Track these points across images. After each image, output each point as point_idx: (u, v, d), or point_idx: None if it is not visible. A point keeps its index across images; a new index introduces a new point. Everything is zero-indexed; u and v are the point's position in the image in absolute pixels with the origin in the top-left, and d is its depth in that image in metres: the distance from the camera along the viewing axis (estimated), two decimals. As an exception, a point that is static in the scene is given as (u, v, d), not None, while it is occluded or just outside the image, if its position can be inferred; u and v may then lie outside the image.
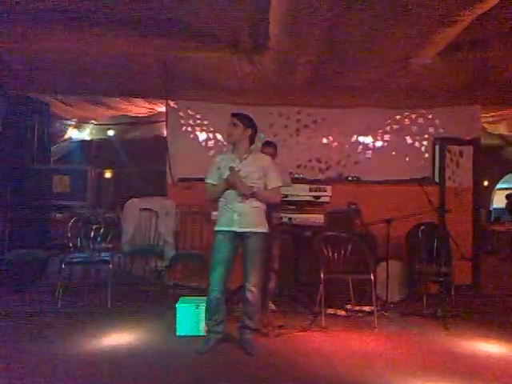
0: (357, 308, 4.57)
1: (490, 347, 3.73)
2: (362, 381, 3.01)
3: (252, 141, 3.68)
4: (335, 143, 6.17)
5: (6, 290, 5.09)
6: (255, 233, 3.51)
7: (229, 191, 3.53)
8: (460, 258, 4.80)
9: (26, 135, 5.88)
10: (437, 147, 6.11)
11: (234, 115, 3.65)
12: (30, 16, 4.29)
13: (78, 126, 7.92)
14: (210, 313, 3.57)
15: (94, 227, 5.04)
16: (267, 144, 4.88)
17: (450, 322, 4.29)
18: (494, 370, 3.23)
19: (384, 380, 3.02)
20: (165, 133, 6.28)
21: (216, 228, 3.61)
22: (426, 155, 6.16)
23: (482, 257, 6.14)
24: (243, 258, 3.56)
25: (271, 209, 4.08)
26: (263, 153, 4.75)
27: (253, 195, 3.50)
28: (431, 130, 6.17)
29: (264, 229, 3.58)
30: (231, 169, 3.49)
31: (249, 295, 3.51)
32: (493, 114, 6.56)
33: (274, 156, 4.78)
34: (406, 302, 5.12)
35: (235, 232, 3.51)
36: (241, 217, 3.49)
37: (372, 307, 4.30)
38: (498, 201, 14.48)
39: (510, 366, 3.35)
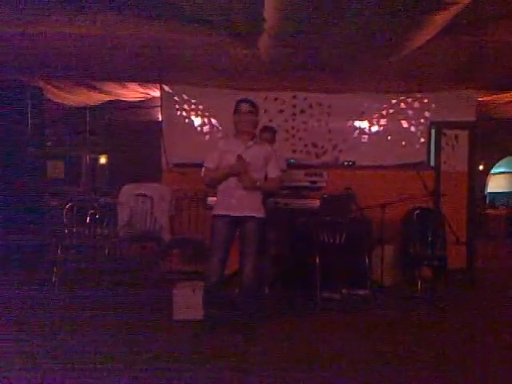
0: (352, 292, 4.60)
1: (484, 330, 3.78)
2: (357, 364, 3.05)
3: (256, 127, 3.68)
4: (331, 128, 6.15)
5: (2, 276, 5.09)
6: (253, 217, 3.52)
7: (230, 178, 3.52)
8: (455, 242, 4.83)
9: (18, 120, 5.82)
10: (432, 131, 6.10)
11: (247, 102, 3.55)
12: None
13: (72, 111, 7.84)
14: (207, 297, 3.59)
15: (89, 213, 5.03)
16: (266, 129, 4.84)
17: (444, 306, 4.34)
18: (488, 354, 3.28)
19: (379, 364, 3.06)
20: (159, 118, 6.23)
21: (214, 212, 3.61)
22: (422, 140, 6.15)
23: (477, 241, 6.17)
24: (240, 242, 3.57)
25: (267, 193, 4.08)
26: (261, 138, 4.74)
27: (255, 189, 3.51)
28: (427, 114, 6.15)
29: (261, 214, 3.59)
30: (239, 157, 3.45)
31: (246, 280, 3.53)
32: (490, 98, 6.55)
33: (272, 141, 4.76)
34: (401, 286, 5.16)
35: (233, 216, 3.51)
36: (239, 201, 3.49)
37: (367, 291, 4.34)
38: (494, 185, 14.56)
39: (504, 349, 3.39)
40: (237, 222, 3.54)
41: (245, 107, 3.54)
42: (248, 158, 3.50)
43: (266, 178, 3.62)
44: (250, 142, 3.58)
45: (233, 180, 3.51)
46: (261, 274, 4.24)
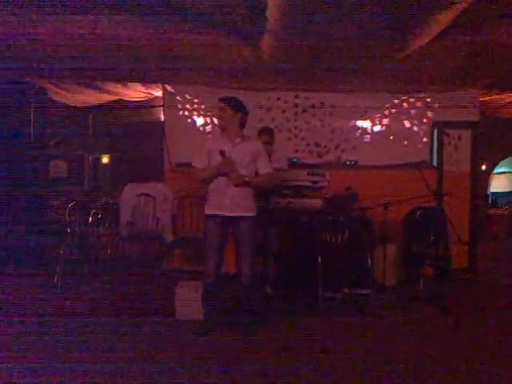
0: (354, 291, 4.60)
1: (486, 330, 3.78)
2: (359, 363, 3.05)
3: (243, 124, 3.66)
4: (333, 127, 6.14)
5: (6, 276, 5.11)
6: (245, 217, 3.53)
7: (219, 177, 3.53)
8: (457, 241, 4.82)
9: (21, 120, 5.85)
10: (435, 131, 6.09)
11: (221, 99, 3.61)
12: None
13: (74, 111, 7.85)
14: (207, 297, 3.60)
15: (92, 212, 5.04)
16: (264, 130, 4.86)
17: (446, 305, 4.34)
18: (490, 353, 3.28)
19: (381, 363, 3.06)
20: (162, 117, 6.24)
21: (206, 212, 3.62)
22: (425, 139, 6.14)
23: (479, 240, 6.16)
24: (236, 242, 3.59)
25: (269, 193, 4.10)
26: (259, 140, 4.75)
27: (245, 184, 3.50)
28: (430, 114, 6.14)
29: (253, 212, 3.59)
30: (221, 153, 3.47)
31: (244, 279, 3.54)
32: (492, 97, 6.54)
33: (271, 142, 4.78)
34: (403, 285, 5.16)
35: (226, 216, 3.52)
36: (231, 201, 3.50)
37: (369, 290, 4.34)
38: (496, 185, 14.53)
39: (506, 348, 3.39)
40: (229, 222, 3.55)
41: (218, 105, 3.59)
42: (235, 155, 3.51)
43: (256, 174, 3.62)
44: (238, 140, 3.59)
45: (223, 179, 3.51)
46: (261, 273, 4.26)
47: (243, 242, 3.54)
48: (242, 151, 3.55)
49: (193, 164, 3.68)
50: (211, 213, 3.57)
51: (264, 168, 3.62)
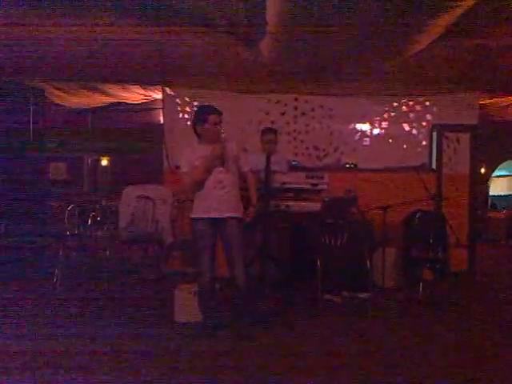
0: (353, 294, 4.60)
1: (485, 332, 3.77)
2: (358, 366, 3.05)
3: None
4: (333, 130, 6.14)
5: (5, 278, 5.10)
6: (233, 218, 3.54)
7: (207, 179, 3.51)
8: (456, 244, 4.82)
9: (21, 122, 5.85)
10: (434, 134, 6.10)
11: (215, 113, 3.58)
12: (25, 1, 4.25)
13: (74, 113, 7.86)
14: (204, 299, 3.61)
15: (91, 215, 5.04)
16: (267, 130, 4.87)
17: (445, 308, 4.33)
18: (489, 355, 3.28)
19: (380, 366, 3.06)
20: (161, 120, 6.24)
21: (193, 215, 3.62)
22: (424, 142, 6.14)
23: (478, 243, 6.17)
24: (224, 244, 3.60)
25: (269, 197, 4.10)
26: (263, 140, 4.77)
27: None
28: (429, 117, 6.14)
29: (240, 214, 3.61)
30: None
31: (239, 280, 3.55)
32: (491, 101, 6.55)
33: (274, 143, 4.79)
34: (402, 288, 5.15)
35: (213, 219, 3.53)
36: (220, 203, 3.50)
37: (368, 293, 4.34)
38: (495, 188, 14.54)
39: (504, 350, 3.39)
40: (217, 224, 3.56)
41: (214, 119, 3.56)
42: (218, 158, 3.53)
43: (239, 172, 3.67)
44: (217, 144, 3.58)
45: (209, 181, 3.51)
46: (261, 276, 4.26)
47: (232, 243, 3.55)
48: (223, 154, 3.55)
49: (183, 170, 3.65)
50: (199, 216, 3.58)
51: (245, 165, 3.70)
